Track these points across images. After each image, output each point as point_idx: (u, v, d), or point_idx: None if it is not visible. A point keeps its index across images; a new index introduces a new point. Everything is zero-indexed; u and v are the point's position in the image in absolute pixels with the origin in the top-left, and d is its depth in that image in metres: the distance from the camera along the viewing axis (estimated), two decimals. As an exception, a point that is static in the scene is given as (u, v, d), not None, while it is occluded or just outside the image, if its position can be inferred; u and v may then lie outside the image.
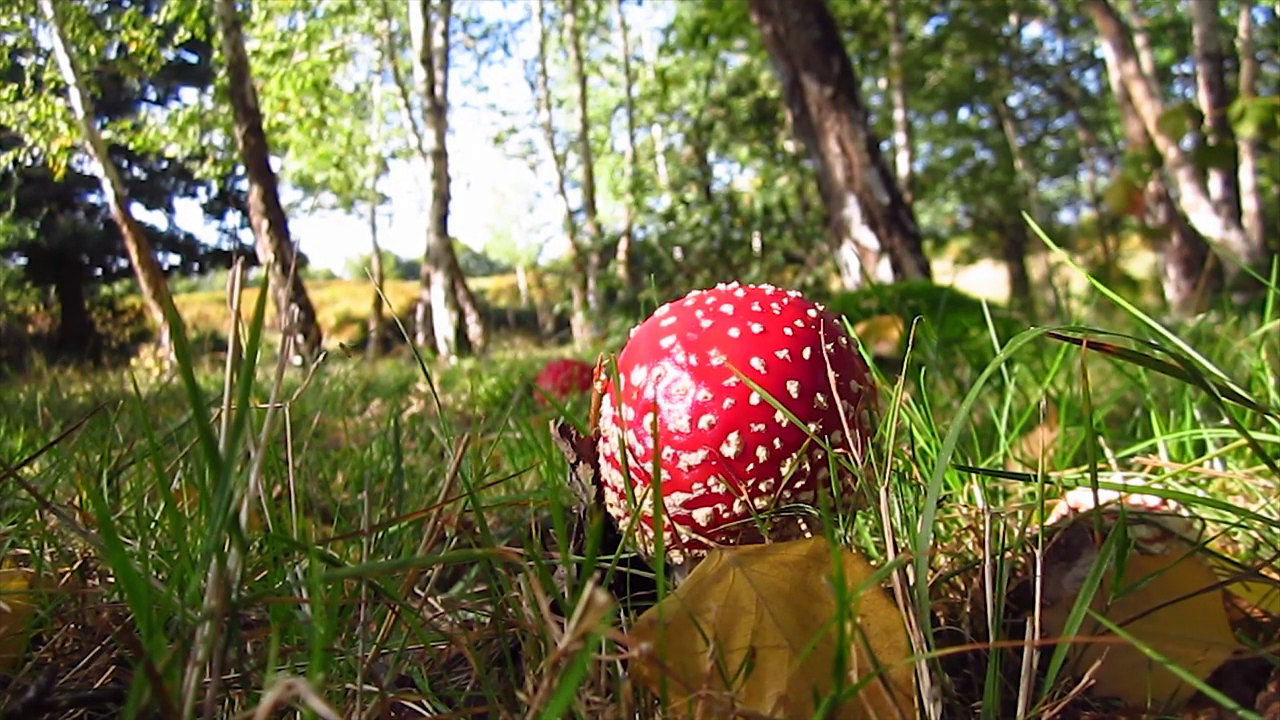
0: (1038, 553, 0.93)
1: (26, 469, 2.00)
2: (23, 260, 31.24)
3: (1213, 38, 13.46)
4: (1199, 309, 7.15)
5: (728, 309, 0.96)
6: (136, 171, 33.72)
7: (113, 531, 0.66)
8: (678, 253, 22.03)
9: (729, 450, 0.88)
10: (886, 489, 0.89)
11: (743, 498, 0.89)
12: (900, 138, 25.35)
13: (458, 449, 0.95)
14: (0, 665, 1.08)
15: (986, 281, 34.45)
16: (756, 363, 0.90)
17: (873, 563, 1.46)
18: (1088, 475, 1.60)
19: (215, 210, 37.05)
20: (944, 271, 32.36)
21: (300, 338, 15.24)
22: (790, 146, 25.18)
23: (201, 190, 35.45)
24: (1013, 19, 27.76)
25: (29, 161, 18.99)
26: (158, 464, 0.91)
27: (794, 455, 0.89)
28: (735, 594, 0.79)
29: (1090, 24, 20.23)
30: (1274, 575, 1.14)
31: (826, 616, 0.78)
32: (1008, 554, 1.39)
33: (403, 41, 25.61)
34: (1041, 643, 0.79)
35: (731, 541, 0.92)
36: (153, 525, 1.44)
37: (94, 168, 17.85)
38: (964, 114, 34.62)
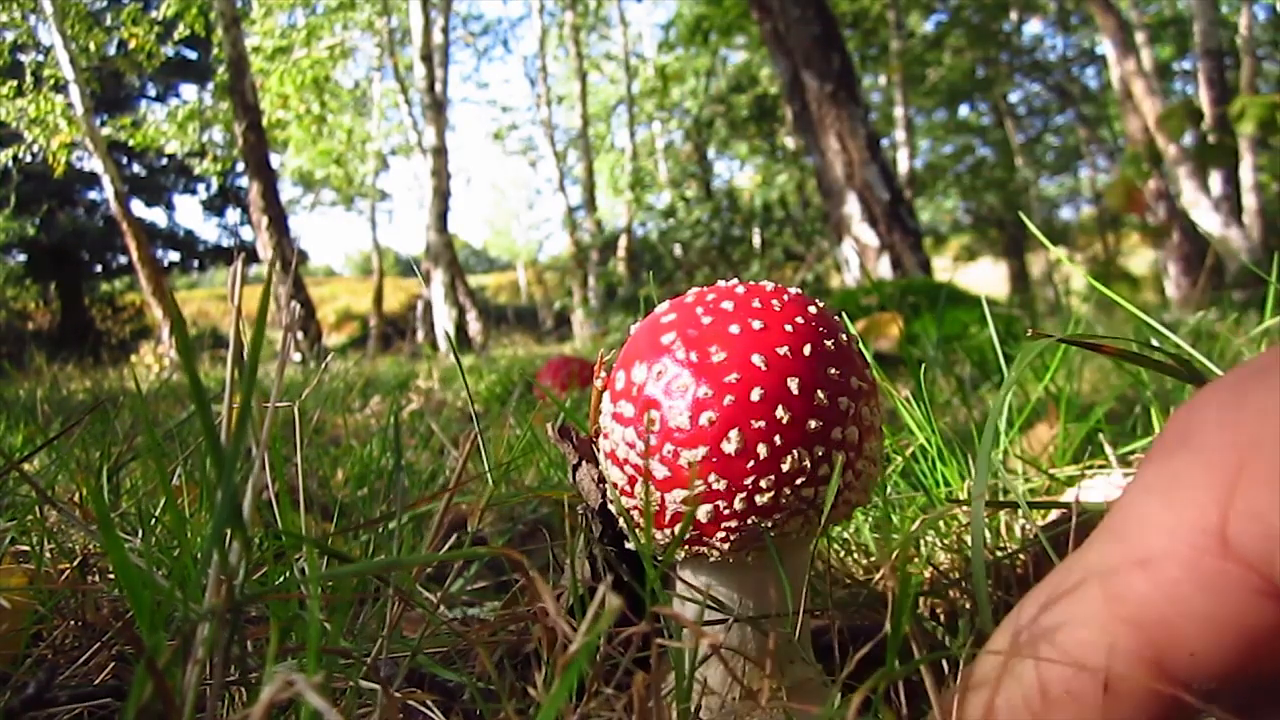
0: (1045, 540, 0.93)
1: (26, 466, 2.00)
2: (22, 257, 31.24)
3: (1213, 34, 13.45)
4: (1199, 306, 7.16)
5: (728, 306, 0.96)
6: (136, 168, 33.70)
7: (112, 528, 0.66)
8: (677, 249, 22.05)
9: (729, 447, 0.88)
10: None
11: (743, 494, 0.89)
12: (900, 134, 25.35)
13: (464, 445, 0.95)
14: (0, 662, 1.08)
15: (986, 278, 34.44)
16: (757, 359, 0.90)
17: (872, 559, 1.46)
18: (1088, 472, 1.60)
19: (215, 207, 37.04)
20: (944, 268, 32.34)
21: (300, 334, 15.25)
22: (790, 143, 25.18)
23: (201, 187, 35.44)
24: (1013, 15, 27.75)
25: (29, 158, 19.01)
26: (158, 460, 0.91)
27: (795, 452, 0.89)
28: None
29: (1091, 20, 20.23)
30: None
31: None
32: (1010, 550, 1.39)
33: (402, 38, 25.58)
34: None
35: (732, 539, 0.92)
36: (153, 522, 1.44)
37: (94, 164, 17.85)
38: (964, 110, 34.63)
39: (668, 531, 0.94)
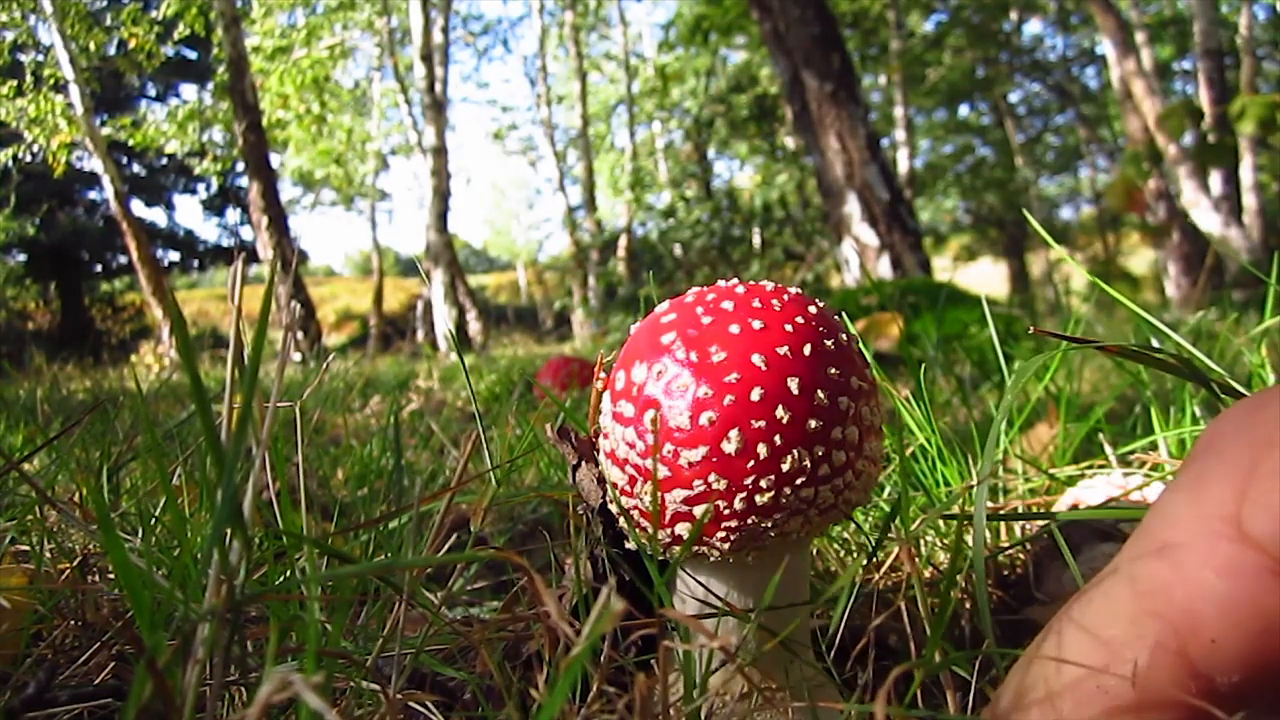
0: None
1: (26, 465, 2.00)
2: (22, 257, 31.23)
3: (1213, 34, 13.45)
4: (1199, 306, 7.15)
5: (728, 305, 0.96)
6: (136, 168, 33.68)
7: (112, 527, 0.66)
8: (677, 249, 22.05)
9: (729, 447, 0.88)
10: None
11: (743, 494, 0.89)
12: (900, 134, 25.34)
13: (465, 444, 0.95)
14: (0, 661, 1.08)
15: (986, 278, 34.43)
16: (757, 359, 0.89)
17: (876, 559, 1.46)
18: (1088, 472, 1.60)
19: (215, 207, 37.03)
20: (944, 268, 32.34)
21: (300, 334, 15.25)
22: (790, 143, 25.16)
23: (201, 187, 35.42)
24: (1013, 15, 27.73)
25: (29, 158, 19.00)
26: (158, 460, 0.91)
27: (795, 452, 0.89)
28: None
29: (1091, 20, 20.22)
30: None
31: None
32: (1010, 551, 1.39)
33: (402, 38, 25.57)
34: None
35: (732, 539, 0.92)
36: (153, 522, 1.44)
37: (94, 164, 17.85)
38: (964, 110, 34.62)
39: (668, 531, 0.94)
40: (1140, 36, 15.17)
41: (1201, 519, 0.60)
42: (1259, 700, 0.59)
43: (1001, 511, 1.51)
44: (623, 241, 26.56)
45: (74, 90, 16.02)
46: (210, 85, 22.91)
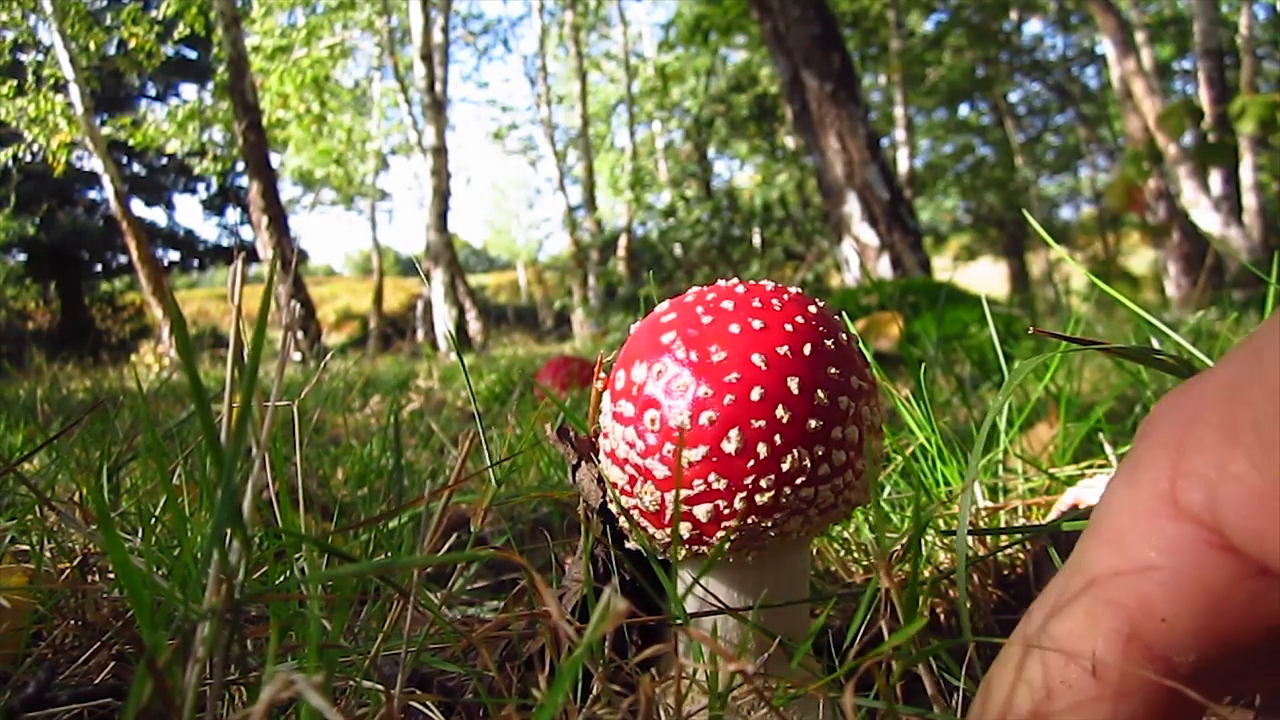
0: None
1: (26, 465, 2.00)
2: (22, 256, 31.23)
3: (1213, 34, 13.45)
4: (1199, 305, 7.15)
5: (728, 305, 0.96)
6: (136, 168, 33.69)
7: (112, 528, 0.66)
8: (678, 249, 22.06)
9: (730, 446, 0.88)
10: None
11: (743, 494, 0.89)
12: (900, 134, 25.36)
13: (464, 443, 0.95)
14: (0, 661, 1.08)
15: (986, 277, 34.44)
16: (757, 359, 0.89)
17: (873, 559, 1.46)
18: (1088, 472, 1.60)
19: (215, 206, 37.05)
20: (944, 268, 32.33)
21: (300, 334, 15.26)
22: (790, 143, 25.16)
23: (201, 186, 35.43)
24: (1013, 15, 27.74)
25: (29, 157, 19.02)
26: (158, 460, 0.91)
27: (795, 451, 0.89)
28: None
29: (1091, 20, 20.22)
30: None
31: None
32: (1009, 550, 1.39)
33: (402, 37, 25.57)
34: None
35: (732, 538, 0.92)
36: (153, 522, 1.44)
37: (94, 164, 17.87)
38: (964, 110, 34.64)
39: (667, 531, 0.94)
40: (1140, 36, 15.17)
41: (1139, 501, 0.61)
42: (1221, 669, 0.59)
43: (1001, 511, 1.51)
44: (623, 241, 26.58)
45: (74, 90, 16.03)
46: (210, 85, 22.94)
